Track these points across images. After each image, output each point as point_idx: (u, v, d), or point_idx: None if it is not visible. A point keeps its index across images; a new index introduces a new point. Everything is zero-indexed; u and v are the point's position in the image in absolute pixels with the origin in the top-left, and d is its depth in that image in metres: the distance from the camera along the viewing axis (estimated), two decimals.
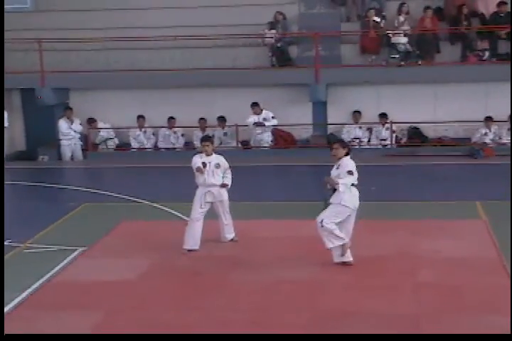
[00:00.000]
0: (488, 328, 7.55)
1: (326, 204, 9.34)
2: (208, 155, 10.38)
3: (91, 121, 18.27)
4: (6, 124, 17.35)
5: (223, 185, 10.44)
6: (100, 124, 18.33)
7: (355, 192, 9.37)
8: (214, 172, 10.34)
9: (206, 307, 8.38)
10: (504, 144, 17.26)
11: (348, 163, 9.29)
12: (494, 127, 17.33)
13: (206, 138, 10.71)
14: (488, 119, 17.22)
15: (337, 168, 9.29)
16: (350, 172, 9.20)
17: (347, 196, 9.23)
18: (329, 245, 9.32)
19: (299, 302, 8.45)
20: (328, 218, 9.27)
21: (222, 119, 18.05)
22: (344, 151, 9.27)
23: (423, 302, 8.38)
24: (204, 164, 10.27)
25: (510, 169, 14.25)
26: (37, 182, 15.42)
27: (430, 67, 17.51)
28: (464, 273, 9.26)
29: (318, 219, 9.31)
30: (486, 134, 17.29)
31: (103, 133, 18.38)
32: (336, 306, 8.32)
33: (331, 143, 9.54)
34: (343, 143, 9.48)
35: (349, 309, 8.22)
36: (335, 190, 9.26)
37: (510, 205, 11.84)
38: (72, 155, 18.23)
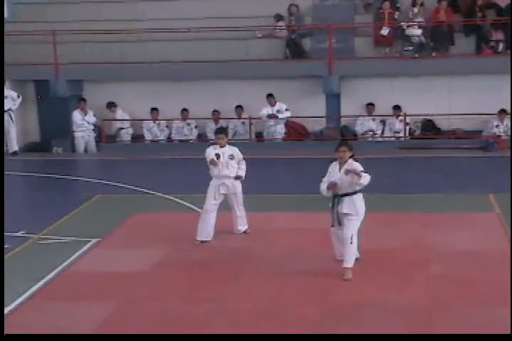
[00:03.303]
0: (500, 321, 7.54)
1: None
2: (221, 146, 10.40)
3: (111, 106, 18.28)
4: (14, 106, 17.40)
5: (237, 177, 10.44)
6: (119, 112, 18.35)
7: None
8: (228, 163, 10.35)
9: (218, 299, 8.42)
10: None
11: (357, 166, 8.79)
12: (506, 120, 17.24)
13: (220, 131, 10.73)
14: (502, 112, 17.13)
15: (346, 174, 8.75)
16: (364, 172, 8.73)
17: (360, 205, 8.92)
18: (350, 265, 8.86)
19: (311, 294, 8.46)
20: (355, 234, 8.88)
21: (240, 108, 18.05)
22: (350, 154, 8.85)
23: (435, 294, 8.37)
24: (218, 155, 10.28)
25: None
26: (51, 173, 15.49)
27: (444, 59, 17.41)
28: (477, 266, 9.24)
29: (348, 234, 8.85)
30: (497, 126, 17.21)
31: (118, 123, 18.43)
32: (348, 298, 8.33)
33: (337, 146, 8.93)
34: (350, 146, 8.92)
35: (361, 301, 8.23)
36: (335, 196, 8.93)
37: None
38: (85, 147, 18.29)
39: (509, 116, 17.18)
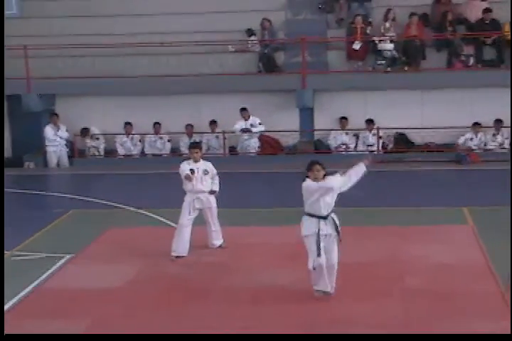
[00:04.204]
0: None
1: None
2: (196, 161, 10.37)
3: (85, 132, 18.19)
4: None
5: (212, 192, 10.43)
6: (92, 129, 18.26)
7: None
8: (202, 178, 10.33)
9: (195, 315, 8.35)
10: (490, 150, 17.36)
11: (331, 179, 8.45)
12: (480, 133, 17.41)
13: (195, 145, 10.70)
14: (476, 125, 17.29)
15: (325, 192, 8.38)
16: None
17: (338, 222, 8.62)
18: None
19: (288, 309, 8.42)
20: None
21: (214, 123, 18.04)
22: (324, 172, 8.43)
23: (412, 308, 8.38)
24: (192, 171, 10.25)
25: (510, 175, 14.18)
26: (23, 189, 15.34)
27: (416, 73, 17.58)
28: (453, 279, 9.27)
29: (336, 259, 8.56)
30: (471, 140, 17.37)
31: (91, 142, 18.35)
32: (325, 312, 8.31)
33: (309, 165, 8.44)
34: (323, 165, 8.47)
35: (338, 315, 8.21)
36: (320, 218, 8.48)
37: (498, 210, 11.89)
38: (58, 162, 18.16)
39: (482, 129, 17.36)
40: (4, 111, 18.83)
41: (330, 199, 8.46)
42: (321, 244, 8.42)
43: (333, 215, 8.54)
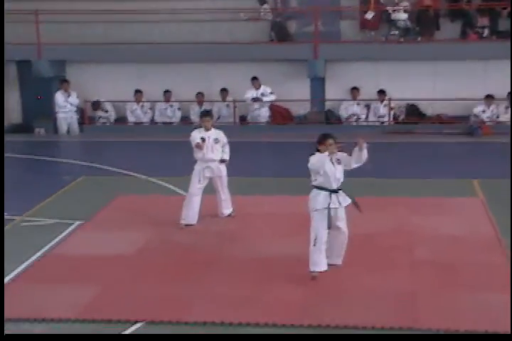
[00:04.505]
0: (484, 305, 7.59)
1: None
2: (207, 130, 10.34)
3: (96, 105, 18.14)
4: None
5: (222, 161, 10.41)
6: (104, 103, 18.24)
7: None
8: (213, 147, 10.30)
9: (203, 282, 8.39)
10: (502, 122, 17.24)
11: (341, 154, 8.41)
12: (492, 105, 17.28)
13: (206, 113, 10.66)
14: (489, 97, 17.15)
15: (339, 163, 8.36)
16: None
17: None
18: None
19: (295, 278, 8.43)
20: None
21: (225, 91, 17.95)
22: (336, 147, 8.33)
23: (420, 279, 8.39)
24: (203, 139, 10.22)
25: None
26: (33, 155, 15.36)
27: (430, 44, 17.41)
28: (461, 251, 9.28)
29: (346, 229, 8.56)
30: (484, 112, 17.24)
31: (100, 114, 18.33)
32: (333, 282, 8.31)
33: (322, 139, 8.30)
34: (335, 139, 8.35)
35: (346, 285, 8.23)
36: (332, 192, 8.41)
37: (508, 183, 11.86)
38: (68, 129, 18.17)
39: (495, 101, 17.22)
40: (14, 76, 18.79)
41: (339, 174, 8.39)
42: (331, 218, 8.35)
43: (341, 191, 8.41)
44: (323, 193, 8.36)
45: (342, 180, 8.44)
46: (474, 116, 17.17)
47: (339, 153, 8.42)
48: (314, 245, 8.33)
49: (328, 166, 8.28)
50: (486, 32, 17.50)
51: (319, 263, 8.37)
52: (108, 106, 18.34)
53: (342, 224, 8.52)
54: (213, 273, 8.69)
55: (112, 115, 18.42)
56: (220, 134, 10.42)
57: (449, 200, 11.50)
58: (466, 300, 7.77)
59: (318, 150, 8.35)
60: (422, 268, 8.69)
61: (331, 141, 8.28)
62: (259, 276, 8.54)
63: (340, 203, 8.38)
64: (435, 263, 8.84)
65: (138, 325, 7.35)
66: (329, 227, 8.37)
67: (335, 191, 8.37)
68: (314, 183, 8.43)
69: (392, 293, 7.96)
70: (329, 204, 8.32)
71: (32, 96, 18.54)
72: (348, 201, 8.48)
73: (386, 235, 9.88)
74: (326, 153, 8.29)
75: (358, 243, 9.28)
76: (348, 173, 8.61)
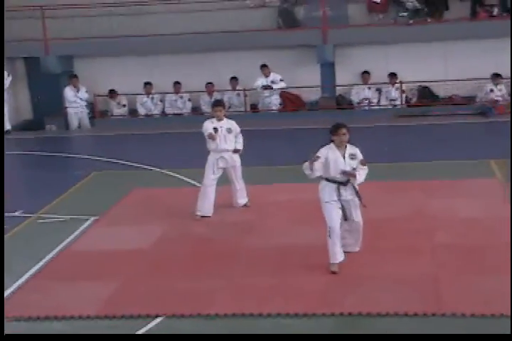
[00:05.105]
0: (507, 288, 7.46)
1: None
2: (219, 120, 10.23)
3: (112, 94, 18.08)
4: (5, 85, 17.21)
5: (236, 151, 10.32)
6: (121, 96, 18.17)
7: None
8: (226, 137, 10.19)
9: (222, 274, 8.32)
10: None
11: (360, 153, 8.22)
12: (501, 84, 17.06)
13: (218, 103, 10.54)
14: (496, 76, 16.95)
15: (352, 159, 8.14)
16: (364, 163, 8.19)
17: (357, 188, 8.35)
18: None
19: (315, 267, 8.33)
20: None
21: (234, 80, 17.83)
22: (349, 136, 8.14)
23: (441, 263, 8.28)
24: (216, 129, 10.12)
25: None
26: (45, 151, 15.31)
27: (439, 24, 17.20)
28: (481, 233, 9.15)
29: (361, 222, 8.41)
30: (492, 91, 17.04)
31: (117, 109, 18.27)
32: (353, 269, 8.21)
33: (334, 129, 8.08)
34: (348, 128, 8.16)
35: (366, 272, 8.14)
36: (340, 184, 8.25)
37: None
38: (79, 124, 18.12)
39: (504, 80, 17.00)
40: (23, 73, 18.74)
41: (350, 167, 8.19)
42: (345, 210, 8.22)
43: (352, 181, 8.21)
44: (330, 185, 8.21)
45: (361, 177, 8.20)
46: (483, 95, 16.97)
47: (355, 148, 8.20)
48: (329, 236, 8.18)
49: (339, 160, 8.11)
50: (496, 10, 17.27)
51: (335, 254, 8.21)
52: (124, 101, 18.26)
53: (355, 214, 8.35)
54: (232, 264, 8.61)
55: (126, 110, 18.36)
56: (233, 124, 10.32)
57: (467, 182, 11.35)
58: (490, 284, 7.64)
59: (332, 141, 8.18)
60: (443, 252, 8.59)
61: (344, 130, 8.10)
62: (279, 266, 8.46)
63: (348, 195, 8.20)
64: (456, 246, 8.73)
65: (159, 319, 7.30)
66: (346, 219, 8.26)
67: (343, 183, 8.19)
68: (323, 175, 8.23)
69: (414, 279, 7.86)
70: (338, 196, 8.17)
71: (42, 92, 18.49)
72: (355, 194, 8.24)
73: (405, 219, 9.78)
74: (334, 147, 8.10)
75: (377, 228, 9.22)
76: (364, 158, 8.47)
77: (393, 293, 7.53)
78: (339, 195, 8.19)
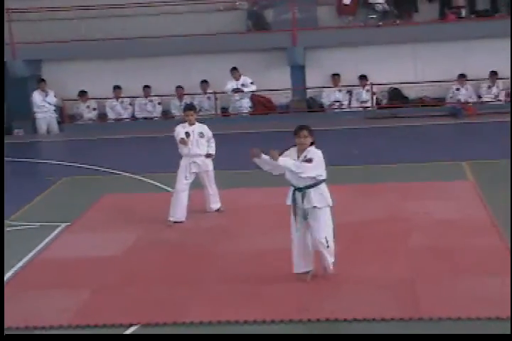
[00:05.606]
0: (484, 290, 7.46)
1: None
2: (191, 124, 10.13)
3: (83, 95, 17.87)
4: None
5: (208, 156, 10.23)
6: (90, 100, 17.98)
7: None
8: (198, 141, 10.11)
9: (196, 280, 8.19)
10: (485, 103, 17.15)
11: (315, 153, 7.66)
12: (467, 85, 17.15)
13: (189, 107, 10.46)
14: (461, 77, 17.08)
15: (307, 162, 7.63)
16: (309, 161, 7.59)
17: (327, 194, 7.77)
18: (332, 267, 8.05)
19: (290, 271, 8.25)
20: (330, 234, 7.81)
21: (205, 83, 17.72)
22: (311, 140, 7.66)
23: (417, 266, 8.24)
24: (187, 134, 10.03)
25: (510, 130, 13.95)
26: (13, 157, 15.07)
27: (409, 26, 17.28)
28: (456, 235, 9.14)
29: (321, 236, 7.73)
30: (458, 90, 17.14)
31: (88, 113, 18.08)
32: (330, 275, 8.14)
33: (296, 131, 7.64)
34: (311, 131, 7.67)
35: (342, 276, 8.06)
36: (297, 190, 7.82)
37: (498, 164, 11.74)
38: (47, 128, 17.90)
39: (475, 81, 17.13)
40: None
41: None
42: (298, 218, 7.73)
43: (312, 190, 7.66)
44: (291, 189, 7.82)
45: (309, 180, 7.67)
46: (451, 95, 17.08)
47: (310, 149, 7.70)
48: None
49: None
50: (464, 12, 17.37)
51: (299, 263, 7.97)
52: (94, 104, 18.08)
53: (312, 229, 7.83)
54: (207, 270, 8.49)
55: (96, 114, 18.17)
56: (205, 128, 10.24)
57: (440, 184, 11.37)
58: (466, 286, 7.62)
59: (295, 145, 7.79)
60: (418, 255, 8.55)
61: (305, 132, 7.64)
62: (254, 272, 8.35)
63: (303, 202, 7.69)
64: (432, 249, 8.70)
65: (133, 328, 7.15)
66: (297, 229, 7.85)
67: (299, 189, 7.71)
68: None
69: (390, 283, 7.80)
70: (294, 201, 7.76)
71: (9, 97, 18.20)
72: (312, 203, 7.69)
73: (378, 222, 9.73)
74: (295, 149, 7.77)
75: (352, 231, 9.17)
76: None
77: (370, 298, 7.47)
78: (294, 199, 7.77)
